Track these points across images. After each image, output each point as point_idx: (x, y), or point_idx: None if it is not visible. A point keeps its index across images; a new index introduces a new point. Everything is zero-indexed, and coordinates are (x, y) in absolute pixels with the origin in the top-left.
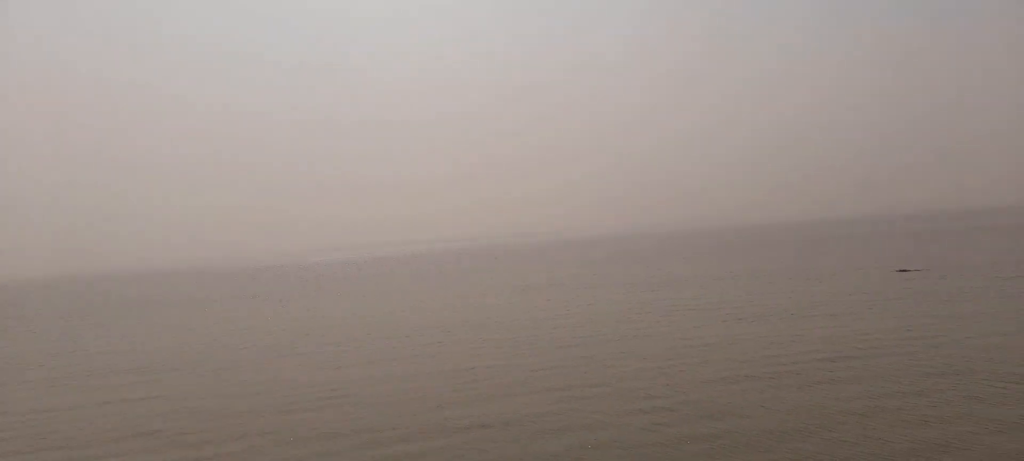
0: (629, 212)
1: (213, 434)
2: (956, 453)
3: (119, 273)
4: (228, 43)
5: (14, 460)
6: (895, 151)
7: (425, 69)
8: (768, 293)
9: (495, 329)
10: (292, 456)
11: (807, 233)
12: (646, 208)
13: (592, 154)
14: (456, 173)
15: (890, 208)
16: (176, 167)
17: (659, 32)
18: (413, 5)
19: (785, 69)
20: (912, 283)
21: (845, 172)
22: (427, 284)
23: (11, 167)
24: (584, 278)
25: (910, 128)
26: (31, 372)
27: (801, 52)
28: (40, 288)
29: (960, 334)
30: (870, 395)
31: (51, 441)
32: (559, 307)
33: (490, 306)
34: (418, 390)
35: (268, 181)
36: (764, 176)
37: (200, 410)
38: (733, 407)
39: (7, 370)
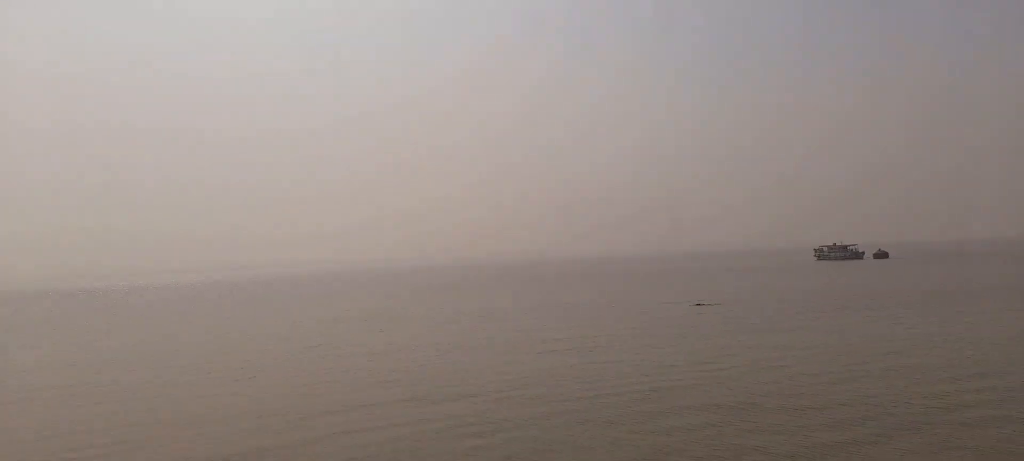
0: (452, 244)
1: None
2: None
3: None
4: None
5: None
6: (706, 191)
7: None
8: (579, 325)
9: (304, 364)
10: None
11: (620, 268)
12: (470, 240)
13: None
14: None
15: (698, 245)
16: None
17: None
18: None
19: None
20: (705, 316)
21: (660, 210)
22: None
23: None
24: (401, 310)
25: (721, 170)
26: None
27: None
28: None
29: (743, 367)
30: (665, 431)
31: None
32: (372, 340)
33: (299, 338)
34: (204, 437)
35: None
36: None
37: None
38: (544, 444)
39: None
